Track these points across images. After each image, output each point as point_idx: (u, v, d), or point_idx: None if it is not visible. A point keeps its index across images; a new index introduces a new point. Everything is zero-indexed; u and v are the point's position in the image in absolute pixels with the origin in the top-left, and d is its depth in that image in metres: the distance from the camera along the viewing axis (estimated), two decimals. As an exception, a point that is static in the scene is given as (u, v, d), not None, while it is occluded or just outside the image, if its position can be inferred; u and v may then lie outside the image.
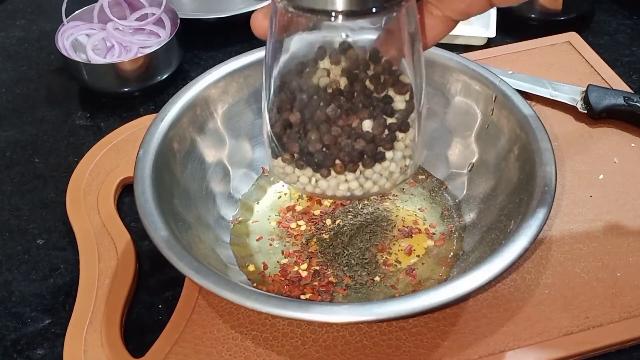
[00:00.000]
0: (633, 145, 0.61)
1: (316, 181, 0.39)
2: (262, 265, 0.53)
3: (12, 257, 0.56)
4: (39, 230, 0.59)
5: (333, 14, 0.34)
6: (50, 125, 0.70)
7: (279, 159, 0.40)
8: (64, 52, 0.71)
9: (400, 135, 0.38)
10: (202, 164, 0.56)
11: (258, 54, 0.58)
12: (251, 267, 0.52)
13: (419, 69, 0.39)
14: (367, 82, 0.37)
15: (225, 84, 0.57)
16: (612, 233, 0.54)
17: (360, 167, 0.38)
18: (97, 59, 0.72)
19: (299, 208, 0.57)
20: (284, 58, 0.38)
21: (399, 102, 0.38)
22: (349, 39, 0.37)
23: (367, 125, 0.37)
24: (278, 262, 0.53)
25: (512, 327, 0.48)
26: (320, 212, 0.56)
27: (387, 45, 0.38)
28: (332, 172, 0.38)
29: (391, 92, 0.38)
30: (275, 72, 0.38)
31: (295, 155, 0.38)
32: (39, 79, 0.77)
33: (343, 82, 0.37)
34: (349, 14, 0.34)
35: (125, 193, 0.61)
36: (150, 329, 0.50)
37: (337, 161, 0.38)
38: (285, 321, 0.48)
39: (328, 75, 0.37)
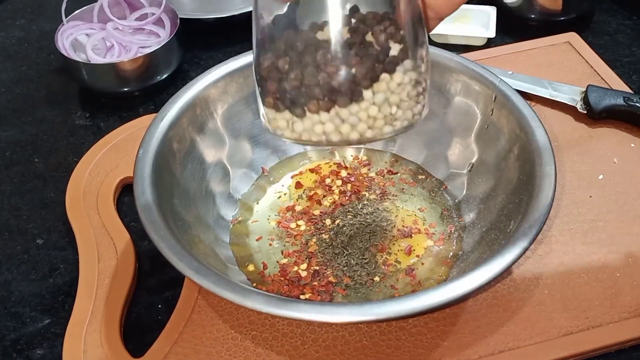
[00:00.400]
0: (633, 145, 0.61)
1: (292, 124, 0.37)
2: (262, 265, 0.53)
3: (11, 257, 0.56)
4: (39, 230, 0.59)
5: None
6: (50, 125, 0.70)
7: (263, 106, 0.39)
8: (63, 52, 0.71)
9: (384, 76, 0.36)
10: (202, 164, 0.56)
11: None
12: (251, 267, 0.52)
13: (417, 17, 0.38)
14: (369, 36, 0.36)
15: (225, 84, 0.57)
16: (612, 233, 0.54)
17: (336, 108, 0.36)
18: (96, 59, 0.72)
19: (298, 208, 0.57)
20: (276, 11, 0.37)
21: (393, 50, 0.37)
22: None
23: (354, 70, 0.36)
24: (277, 262, 0.53)
25: (512, 327, 0.48)
26: (320, 212, 0.56)
27: None
28: (307, 114, 0.37)
29: (390, 43, 0.37)
30: (267, 21, 0.38)
31: (275, 97, 0.38)
32: (38, 78, 0.77)
33: (345, 35, 0.36)
34: None
35: (125, 193, 0.61)
36: (149, 328, 0.50)
37: (313, 100, 0.36)
38: (285, 321, 0.48)
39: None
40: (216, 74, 0.57)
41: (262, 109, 0.40)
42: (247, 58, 0.58)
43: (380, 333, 0.47)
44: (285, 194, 0.58)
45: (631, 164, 0.59)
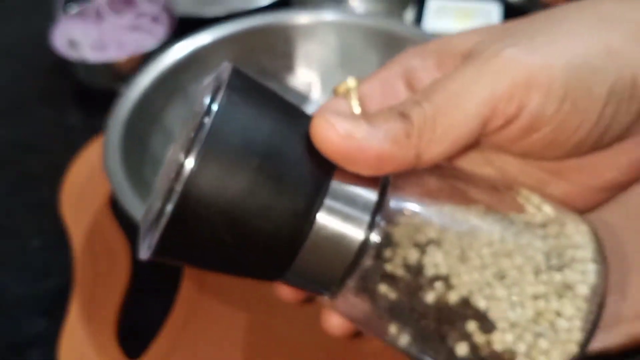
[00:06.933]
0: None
1: None
2: None
3: (6, 259, 0.56)
4: (34, 231, 0.58)
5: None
6: (44, 125, 0.69)
7: None
8: (59, 51, 0.71)
9: None
10: (170, 133, 0.57)
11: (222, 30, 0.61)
12: None
13: None
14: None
15: (196, 56, 0.58)
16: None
17: None
18: (93, 58, 0.72)
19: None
20: None
21: None
22: None
23: None
24: None
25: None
26: None
27: None
28: None
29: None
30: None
31: None
32: (33, 77, 0.76)
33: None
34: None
35: (121, 193, 0.60)
36: (146, 331, 0.49)
37: None
38: (284, 324, 0.48)
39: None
40: (188, 45, 0.58)
41: None
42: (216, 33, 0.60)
43: (381, 335, 0.47)
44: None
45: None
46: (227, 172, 0.23)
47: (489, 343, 0.26)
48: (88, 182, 0.59)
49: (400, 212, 0.27)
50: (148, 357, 0.46)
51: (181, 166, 0.23)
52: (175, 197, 0.23)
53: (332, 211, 0.25)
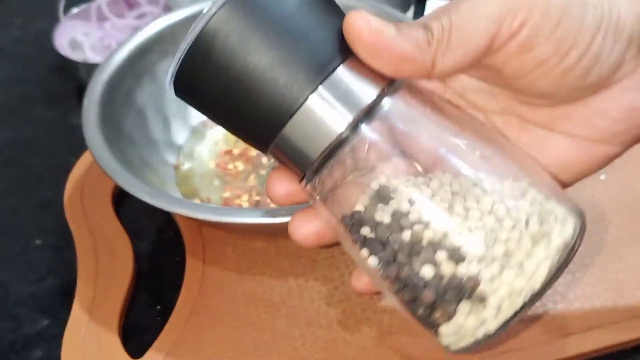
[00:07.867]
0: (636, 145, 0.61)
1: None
2: (207, 199, 0.56)
3: (9, 258, 0.56)
4: (37, 230, 0.58)
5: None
6: (47, 125, 0.70)
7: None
8: (61, 51, 0.71)
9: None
10: (142, 113, 0.59)
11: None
12: (197, 201, 0.56)
13: None
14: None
15: (161, 38, 0.60)
16: (613, 234, 0.53)
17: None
18: (94, 58, 0.72)
19: (236, 151, 0.60)
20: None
21: None
22: None
23: None
24: (221, 197, 0.56)
25: (513, 328, 0.47)
26: (257, 153, 0.59)
27: None
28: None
29: None
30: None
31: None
32: (36, 78, 0.76)
33: None
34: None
35: (123, 193, 0.60)
36: (148, 330, 0.49)
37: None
38: (285, 322, 0.48)
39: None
40: (151, 28, 0.60)
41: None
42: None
43: (382, 334, 0.47)
44: (223, 142, 0.62)
45: (634, 164, 0.59)
46: (245, 26, 0.26)
47: (455, 272, 0.28)
48: (91, 182, 0.60)
49: (397, 128, 0.29)
50: (150, 357, 0.47)
51: (210, 9, 0.26)
52: (195, 33, 0.26)
53: (323, 98, 0.27)
